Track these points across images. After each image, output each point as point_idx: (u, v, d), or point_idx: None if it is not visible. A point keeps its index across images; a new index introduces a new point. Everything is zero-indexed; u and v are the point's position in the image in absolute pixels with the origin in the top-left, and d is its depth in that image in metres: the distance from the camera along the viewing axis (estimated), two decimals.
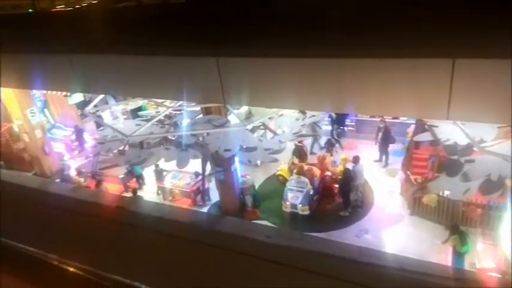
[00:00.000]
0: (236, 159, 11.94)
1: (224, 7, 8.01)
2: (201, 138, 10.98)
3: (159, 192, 13.81)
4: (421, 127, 11.00)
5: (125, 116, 17.15)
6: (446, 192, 10.47)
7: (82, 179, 14.04)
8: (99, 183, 13.50)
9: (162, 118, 12.44)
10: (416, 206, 11.50)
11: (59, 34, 8.79)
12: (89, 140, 16.52)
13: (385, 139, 14.02)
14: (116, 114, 17.04)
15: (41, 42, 8.56)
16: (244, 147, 10.59)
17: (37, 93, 16.57)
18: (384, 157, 14.17)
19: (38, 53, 8.42)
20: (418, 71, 5.26)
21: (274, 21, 6.76)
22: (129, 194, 13.41)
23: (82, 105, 16.27)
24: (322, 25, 6.27)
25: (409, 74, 5.33)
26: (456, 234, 9.10)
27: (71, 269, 5.54)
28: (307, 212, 11.80)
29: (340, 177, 12.39)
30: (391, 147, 14.25)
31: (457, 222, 10.13)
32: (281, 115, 11.90)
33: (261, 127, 13.32)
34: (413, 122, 13.24)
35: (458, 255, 9.06)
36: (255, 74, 6.49)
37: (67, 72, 8.20)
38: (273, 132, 12.24)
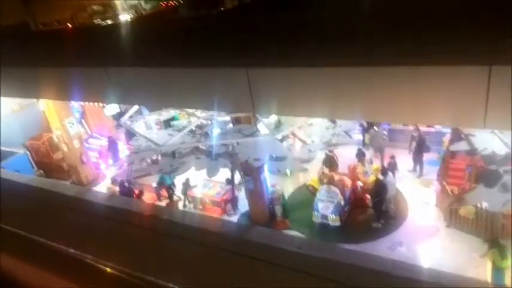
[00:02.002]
0: (265, 168, 11.94)
1: (255, 19, 8.12)
2: (230, 148, 11.09)
3: (190, 200, 14.00)
4: (457, 136, 10.63)
5: (158, 126, 17.58)
6: (485, 204, 10.03)
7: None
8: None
9: (194, 128, 12.68)
10: (453, 218, 11.07)
11: (96, 47, 9.19)
12: (124, 150, 17.04)
13: (420, 148, 13.63)
14: (150, 124, 17.49)
15: (79, 56, 8.97)
16: (274, 156, 10.60)
17: (75, 104, 17.30)
18: (418, 167, 13.76)
19: (77, 66, 8.81)
20: (452, 79, 5.13)
21: (303, 32, 6.78)
22: (162, 202, 13.68)
23: (117, 115, 16.83)
24: (352, 34, 6.24)
25: (443, 81, 5.20)
26: (495, 248, 8.69)
27: (108, 270, 5.72)
28: (338, 223, 11.60)
29: (372, 187, 12.12)
30: (426, 156, 13.82)
31: (496, 235, 9.67)
32: (310, 124, 11.85)
33: (291, 136, 13.28)
34: (449, 130, 12.81)
35: (498, 270, 8.63)
36: (284, 84, 6.52)
37: (104, 84, 8.53)
38: (303, 142, 12.17)
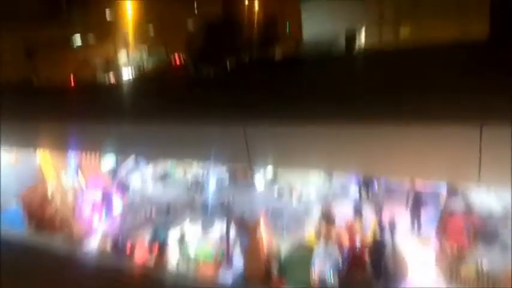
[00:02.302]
0: (261, 223, 11.75)
1: (251, 78, 8.44)
2: (226, 201, 11.01)
3: (183, 257, 13.58)
4: (454, 192, 10.65)
5: (154, 180, 17.50)
6: (486, 263, 9.81)
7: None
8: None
9: (189, 181, 12.65)
10: (454, 277, 10.75)
11: (98, 102, 9.42)
12: (118, 204, 16.80)
13: (417, 204, 13.54)
14: (145, 177, 17.43)
15: (80, 111, 9.16)
16: (270, 211, 10.50)
17: (72, 155, 17.33)
18: (416, 224, 13.59)
19: (77, 121, 8.97)
20: (446, 138, 5.27)
21: (299, 91, 7.03)
22: (154, 259, 13.24)
23: (113, 169, 16.80)
24: (347, 94, 6.46)
25: (437, 140, 5.33)
26: None
27: None
28: (336, 282, 11.21)
29: (370, 244, 11.87)
30: (423, 212, 13.70)
31: None
32: (308, 179, 11.87)
33: (287, 191, 13.21)
34: (446, 187, 12.83)
35: None
36: (281, 141, 6.63)
37: (103, 136, 8.63)
38: (299, 196, 12.12)
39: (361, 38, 29.09)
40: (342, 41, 29.49)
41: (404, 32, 27.10)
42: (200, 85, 9.25)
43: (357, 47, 28.57)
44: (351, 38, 29.17)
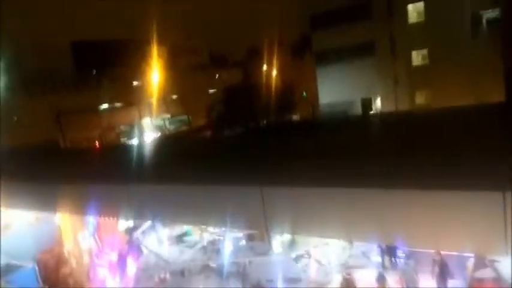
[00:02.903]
0: None
1: (270, 142, 8.61)
2: (242, 267, 10.69)
3: None
4: (481, 261, 10.09)
5: (170, 242, 17.27)
6: None
7: None
8: None
9: (205, 244, 12.43)
10: None
11: (119, 165, 9.68)
12: (132, 266, 16.49)
13: (443, 273, 12.80)
14: (161, 239, 17.22)
15: (102, 173, 9.41)
16: (288, 278, 10.10)
17: (91, 217, 17.42)
18: None
19: (98, 183, 9.18)
20: (467, 204, 5.12)
21: (316, 154, 7.10)
22: None
23: (130, 229, 16.73)
24: (364, 156, 6.49)
25: (457, 206, 5.19)
26: None
27: None
28: None
29: None
30: (451, 282, 12.89)
31: None
32: (326, 244, 11.51)
33: (306, 256, 12.79)
34: (472, 254, 12.18)
35: None
36: (299, 203, 6.58)
37: (122, 200, 8.76)
38: (319, 262, 11.67)
39: (377, 103, 29.70)
40: (358, 105, 30.17)
41: (420, 97, 27.61)
42: (220, 148, 9.47)
43: (373, 111, 29.11)
44: (366, 103, 29.88)
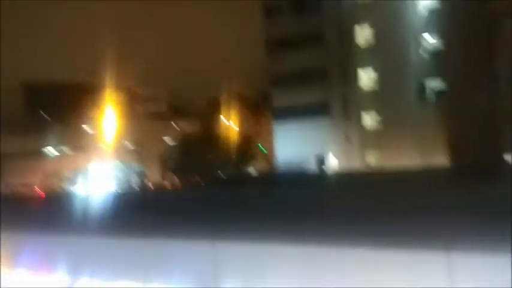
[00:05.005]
0: None
1: (223, 192, 8.37)
2: None
3: None
4: None
5: None
6: None
7: None
8: None
9: None
10: None
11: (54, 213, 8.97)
12: None
13: None
14: None
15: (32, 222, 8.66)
16: None
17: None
18: None
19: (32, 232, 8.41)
20: (411, 263, 5.07)
21: (272, 208, 6.93)
22: None
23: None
24: (318, 213, 6.40)
25: (402, 265, 5.14)
26: None
27: None
28: None
29: None
30: None
31: None
32: None
33: None
34: None
35: None
36: (251, 259, 6.31)
37: (57, 251, 8.02)
38: None
39: (330, 161, 30.56)
40: (313, 162, 30.86)
41: (371, 157, 28.83)
42: (171, 200, 9.06)
43: (326, 169, 29.87)
44: (320, 163, 30.69)
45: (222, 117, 34.14)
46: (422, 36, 26.60)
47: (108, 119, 25.99)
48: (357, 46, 28.50)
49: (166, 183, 27.32)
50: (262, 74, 33.62)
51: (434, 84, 26.53)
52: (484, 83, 23.07)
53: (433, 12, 26.17)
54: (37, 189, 24.16)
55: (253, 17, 34.59)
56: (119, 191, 26.37)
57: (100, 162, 29.40)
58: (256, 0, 32.11)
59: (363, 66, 28.46)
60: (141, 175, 31.61)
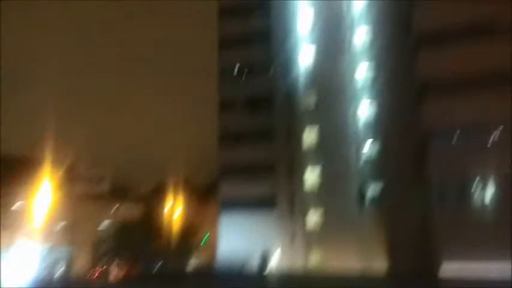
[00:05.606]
0: None
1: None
2: None
3: None
4: None
5: None
6: None
7: None
8: None
9: None
10: None
11: None
12: None
13: None
14: None
15: None
16: None
17: None
18: None
19: None
20: None
21: None
22: None
23: None
24: None
25: None
26: None
27: None
28: None
29: None
30: None
31: None
32: None
33: None
34: None
35: None
36: None
37: None
38: None
39: (273, 258, 29.68)
40: (256, 257, 29.82)
41: (313, 256, 28.48)
42: None
43: (267, 266, 28.87)
44: (264, 258, 29.75)
45: (166, 203, 32.95)
46: (364, 142, 28.50)
47: (41, 196, 24.09)
48: (304, 146, 29.90)
49: (95, 272, 24.87)
50: (212, 163, 33.75)
51: (373, 189, 27.84)
52: (418, 191, 24.61)
53: (372, 121, 28.56)
54: None
55: (208, 108, 35.76)
56: (40, 277, 23.45)
57: (25, 242, 26.49)
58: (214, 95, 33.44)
59: (308, 165, 29.59)
60: (69, 260, 28.68)
